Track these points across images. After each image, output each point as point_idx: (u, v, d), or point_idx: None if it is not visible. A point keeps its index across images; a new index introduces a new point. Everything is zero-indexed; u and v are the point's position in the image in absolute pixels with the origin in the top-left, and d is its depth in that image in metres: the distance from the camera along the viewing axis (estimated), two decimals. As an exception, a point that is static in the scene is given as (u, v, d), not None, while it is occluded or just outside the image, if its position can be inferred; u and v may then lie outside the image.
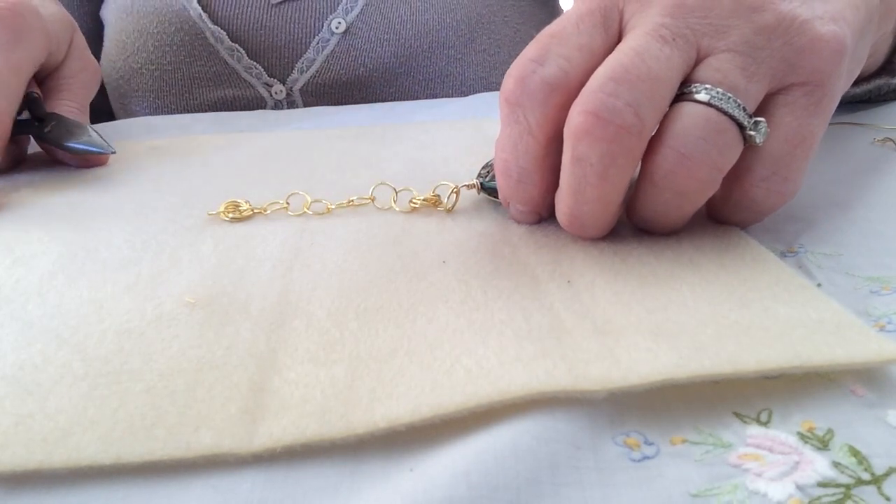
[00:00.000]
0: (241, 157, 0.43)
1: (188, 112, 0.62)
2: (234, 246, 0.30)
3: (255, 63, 0.60)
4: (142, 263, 0.29)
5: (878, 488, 0.17)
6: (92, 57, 0.50)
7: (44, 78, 0.46)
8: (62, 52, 0.46)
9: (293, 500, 0.18)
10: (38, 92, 0.45)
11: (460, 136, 0.44)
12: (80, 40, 0.49)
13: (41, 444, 0.19)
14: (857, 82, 0.40)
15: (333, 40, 0.59)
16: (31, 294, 0.27)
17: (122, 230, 0.33)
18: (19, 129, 0.42)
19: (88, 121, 0.47)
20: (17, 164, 0.44)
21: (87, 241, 0.32)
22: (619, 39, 0.27)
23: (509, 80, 0.27)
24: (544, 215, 0.30)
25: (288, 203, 0.34)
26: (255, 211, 0.34)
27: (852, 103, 0.43)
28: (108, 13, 0.65)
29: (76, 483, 0.19)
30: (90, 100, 0.48)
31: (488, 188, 0.32)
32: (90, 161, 0.42)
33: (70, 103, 0.45)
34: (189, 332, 0.24)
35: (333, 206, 0.34)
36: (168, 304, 0.26)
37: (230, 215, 0.33)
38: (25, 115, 0.43)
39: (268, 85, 0.60)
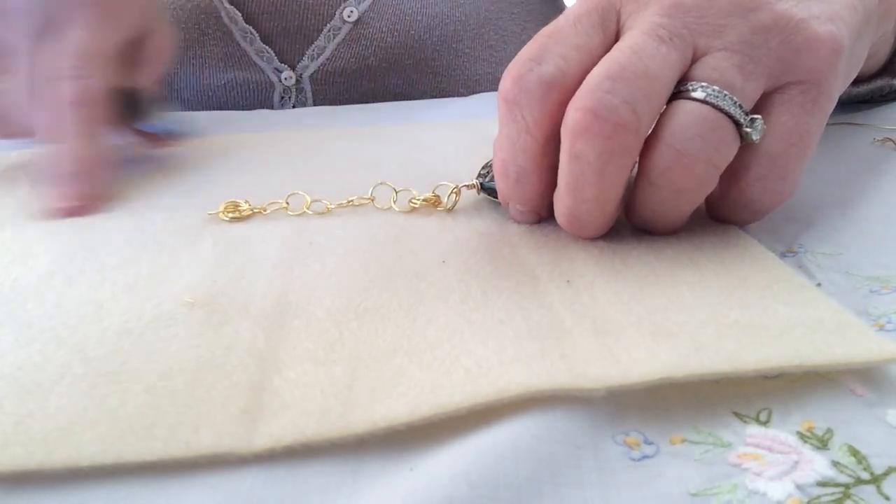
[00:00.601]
0: (241, 157, 0.43)
1: (197, 92, 0.62)
2: (233, 245, 0.30)
3: (266, 47, 0.59)
4: (141, 263, 0.29)
5: (878, 488, 0.17)
6: (168, 27, 0.47)
7: (127, 50, 0.43)
8: (153, 25, 0.44)
9: (293, 499, 0.18)
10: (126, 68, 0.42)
11: (460, 136, 0.44)
12: (161, 12, 0.47)
13: (41, 444, 0.19)
14: (857, 83, 0.40)
15: (345, 29, 0.59)
16: (29, 294, 0.27)
17: (121, 230, 0.33)
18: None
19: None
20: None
21: (85, 241, 0.32)
22: (616, 39, 0.27)
23: (507, 79, 0.27)
24: (544, 215, 0.30)
25: (288, 203, 0.34)
26: (255, 211, 0.34)
27: (853, 103, 0.43)
28: None
29: (77, 483, 0.19)
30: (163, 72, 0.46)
31: (488, 188, 0.32)
32: (171, 142, 0.40)
33: (150, 79, 0.43)
34: (188, 332, 0.24)
35: (333, 206, 0.34)
36: (167, 303, 0.26)
37: (230, 215, 0.33)
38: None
39: (278, 70, 0.60)
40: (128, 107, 0.40)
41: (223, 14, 0.59)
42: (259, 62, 0.60)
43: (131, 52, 0.44)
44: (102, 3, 0.40)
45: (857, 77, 0.33)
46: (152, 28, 0.45)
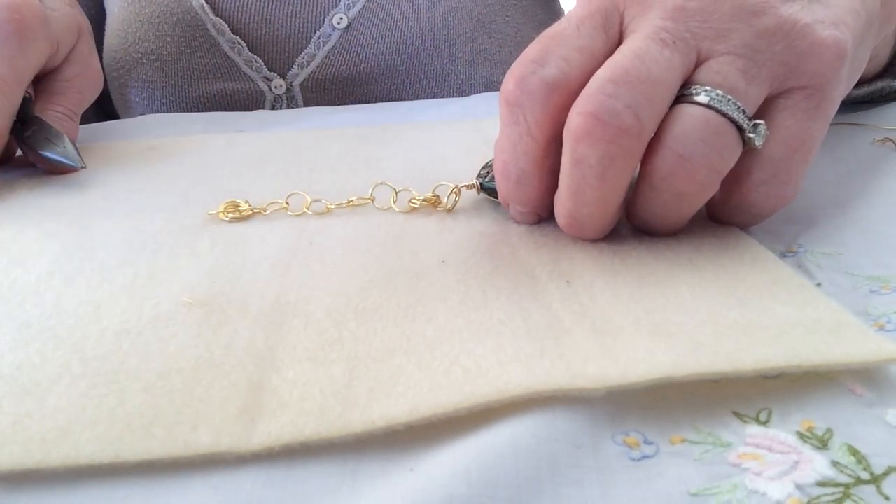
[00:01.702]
0: (241, 157, 0.43)
1: (187, 104, 0.62)
2: (232, 245, 0.30)
3: (255, 56, 0.59)
4: (139, 263, 0.29)
5: (878, 487, 0.17)
6: (96, 63, 0.50)
7: (40, 77, 0.46)
8: (62, 55, 0.46)
9: (293, 499, 0.18)
10: (31, 93, 0.44)
11: (460, 136, 0.44)
12: (86, 45, 0.49)
13: (39, 444, 0.19)
14: (858, 85, 0.40)
15: (335, 36, 0.59)
16: (28, 294, 0.27)
17: (120, 230, 0.33)
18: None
19: (78, 126, 0.47)
20: (3, 163, 0.44)
21: (84, 241, 0.32)
22: (619, 42, 0.27)
23: (509, 80, 0.27)
24: (544, 216, 0.30)
25: (287, 203, 0.34)
26: (255, 211, 0.34)
27: (852, 104, 0.43)
28: (111, 2, 0.65)
29: (77, 483, 0.19)
30: (85, 106, 0.48)
31: (488, 188, 0.32)
32: (58, 170, 0.41)
33: (59, 107, 0.45)
34: (187, 332, 0.24)
35: (333, 206, 0.34)
36: (166, 303, 0.26)
37: (229, 215, 0.33)
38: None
39: (267, 79, 0.60)
40: (36, 133, 0.42)
41: (209, 26, 0.59)
42: (248, 72, 0.60)
43: (46, 81, 0.46)
44: (14, 31, 0.41)
45: (859, 79, 0.33)
46: (71, 59, 0.47)
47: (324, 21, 0.59)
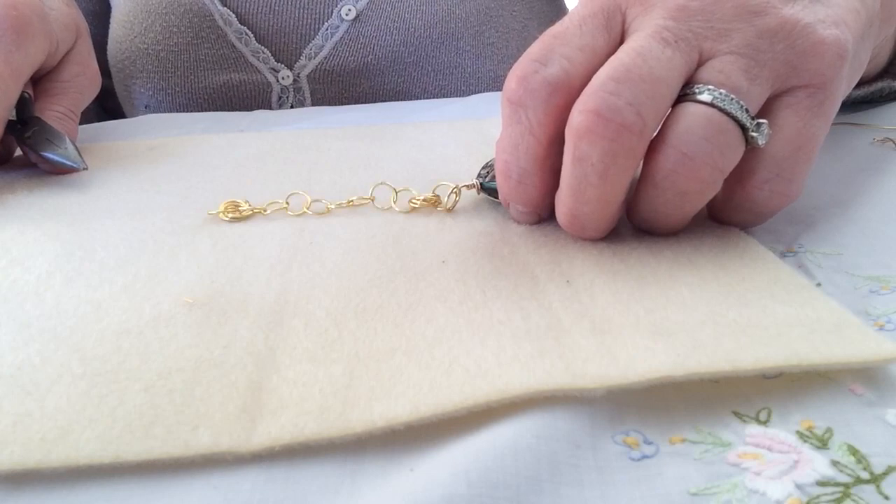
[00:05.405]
0: (241, 157, 0.43)
1: (192, 95, 0.62)
2: (232, 245, 0.30)
3: (262, 47, 0.59)
4: (139, 263, 0.29)
5: (877, 487, 0.17)
6: (95, 63, 0.50)
7: (39, 78, 0.46)
8: (61, 54, 0.46)
9: (293, 500, 0.18)
10: (30, 93, 0.44)
11: (460, 136, 0.44)
12: (84, 45, 0.49)
13: (39, 443, 0.19)
14: (858, 85, 0.40)
15: (343, 27, 0.59)
16: (28, 294, 0.27)
17: (120, 230, 0.33)
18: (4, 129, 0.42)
19: (77, 126, 0.47)
20: (2, 163, 0.44)
21: (84, 241, 0.32)
22: (621, 41, 0.27)
23: (512, 79, 0.27)
24: (544, 216, 0.30)
25: (287, 203, 0.34)
26: (255, 211, 0.34)
27: (853, 104, 0.43)
28: None
29: (77, 483, 0.19)
30: (83, 106, 0.48)
31: (488, 188, 0.32)
32: (59, 171, 0.41)
33: (59, 108, 0.45)
34: (187, 332, 0.24)
35: (333, 206, 0.34)
36: (166, 303, 0.26)
37: (230, 215, 0.33)
38: (12, 114, 0.42)
39: (275, 70, 0.60)
40: (37, 133, 0.42)
41: (216, 16, 0.59)
42: (255, 63, 0.60)
43: (45, 81, 0.46)
44: (11, 26, 0.41)
45: (859, 80, 0.33)
46: (70, 59, 0.47)
47: (332, 12, 0.59)
